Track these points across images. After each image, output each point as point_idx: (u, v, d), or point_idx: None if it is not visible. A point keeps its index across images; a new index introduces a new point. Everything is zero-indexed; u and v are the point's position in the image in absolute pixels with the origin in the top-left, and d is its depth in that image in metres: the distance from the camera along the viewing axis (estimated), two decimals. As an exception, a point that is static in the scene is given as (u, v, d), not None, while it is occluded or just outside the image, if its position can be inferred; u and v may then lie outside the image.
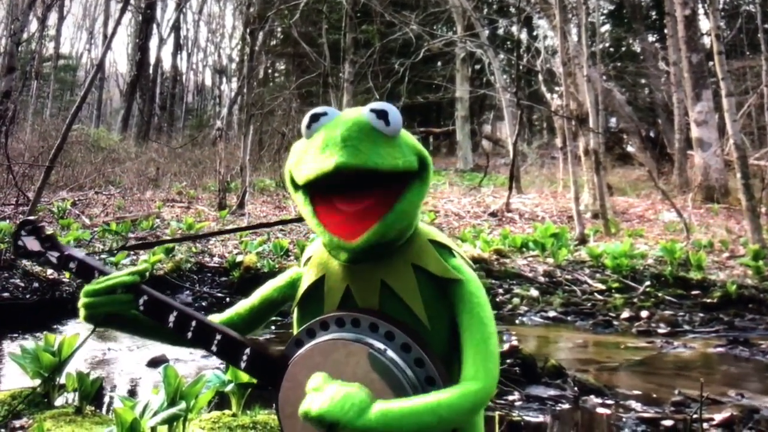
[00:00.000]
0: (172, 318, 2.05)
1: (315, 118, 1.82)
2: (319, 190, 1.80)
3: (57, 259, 2.34)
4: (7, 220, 10.67)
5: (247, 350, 1.96)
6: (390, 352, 1.75)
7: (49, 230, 2.43)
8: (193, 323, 2.03)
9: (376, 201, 1.75)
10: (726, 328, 7.84)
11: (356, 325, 1.81)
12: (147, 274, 2.16)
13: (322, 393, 1.63)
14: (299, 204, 1.87)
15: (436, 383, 1.72)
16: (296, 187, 1.87)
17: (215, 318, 2.14)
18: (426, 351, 1.75)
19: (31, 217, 2.52)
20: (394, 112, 1.78)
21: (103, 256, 8.82)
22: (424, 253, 1.88)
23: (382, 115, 1.76)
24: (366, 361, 1.74)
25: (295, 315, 2.03)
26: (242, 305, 2.14)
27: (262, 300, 2.11)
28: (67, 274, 8.00)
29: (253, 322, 2.14)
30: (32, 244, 2.38)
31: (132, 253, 9.50)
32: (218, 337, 2.00)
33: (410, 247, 1.89)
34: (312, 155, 1.75)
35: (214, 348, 2.00)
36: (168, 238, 10.20)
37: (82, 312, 2.07)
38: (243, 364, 1.96)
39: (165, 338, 2.17)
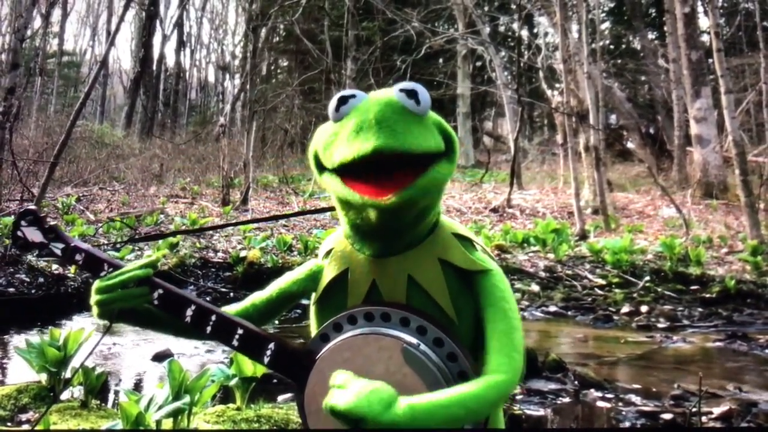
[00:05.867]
0: (189, 312, 1.98)
1: (343, 100, 1.77)
2: (349, 172, 1.73)
3: (62, 251, 2.20)
4: (12, 216, 10.70)
5: (271, 345, 1.89)
6: (423, 347, 1.71)
7: (52, 221, 2.30)
8: (213, 317, 1.96)
9: (405, 173, 1.69)
10: (725, 322, 7.84)
11: (386, 320, 1.77)
12: (158, 265, 2.09)
13: (347, 389, 1.59)
14: (326, 183, 1.81)
15: (468, 377, 1.70)
16: (321, 168, 1.83)
17: (230, 309, 2.08)
18: (458, 345, 1.73)
19: (32, 207, 2.37)
20: (423, 91, 1.75)
21: (110, 252, 8.84)
22: (450, 246, 1.86)
23: (412, 94, 1.73)
24: (399, 356, 1.70)
25: (314, 308, 1.99)
26: (259, 297, 2.09)
27: (280, 292, 2.05)
28: (73, 269, 8.09)
29: (269, 314, 2.09)
30: (33, 235, 2.24)
31: (136, 248, 9.53)
32: (240, 331, 1.92)
33: (435, 240, 1.87)
34: (345, 139, 1.71)
35: (235, 343, 1.92)
36: (198, 227, 10.26)
37: (95, 310, 1.99)
38: (266, 360, 1.89)
39: (181, 332, 2.11)
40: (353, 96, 1.78)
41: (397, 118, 1.68)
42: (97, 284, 2.00)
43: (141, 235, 10.52)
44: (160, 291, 2.02)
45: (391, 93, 1.76)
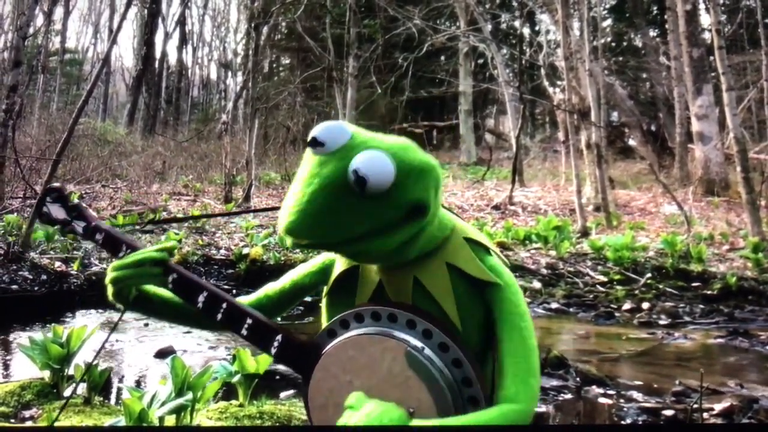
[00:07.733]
0: (201, 298, 2.03)
1: (314, 143, 1.67)
2: None
3: (83, 230, 2.29)
4: (15, 213, 10.72)
5: (279, 337, 1.91)
6: (428, 351, 1.70)
7: (75, 200, 2.37)
8: (224, 305, 2.00)
9: None
10: (726, 319, 7.83)
11: (393, 321, 1.76)
12: (174, 251, 2.14)
13: (359, 411, 1.59)
14: None
15: (473, 385, 1.69)
16: None
17: (244, 299, 2.12)
18: (464, 352, 1.71)
19: (57, 184, 2.45)
20: (375, 179, 1.57)
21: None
22: (460, 252, 1.83)
23: (360, 183, 1.56)
24: (403, 359, 1.70)
25: (325, 301, 2.00)
26: (272, 287, 2.12)
27: (293, 284, 2.09)
28: (75, 266, 8.10)
29: (282, 305, 2.12)
30: (57, 211, 2.33)
31: (148, 243, 9.53)
32: (249, 321, 1.95)
33: (446, 245, 1.84)
34: (293, 189, 1.66)
35: (244, 332, 1.96)
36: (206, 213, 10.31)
37: (110, 289, 2.03)
38: (273, 350, 1.91)
39: (193, 321, 2.18)
40: (322, 144, 1.66)
41: (329, 205, 1.61)
42: (113, 263, 2.05)
43: (144, 226, 10.56)
44: (175, 275, 2.07)
45: (346, 166, 1.61)
